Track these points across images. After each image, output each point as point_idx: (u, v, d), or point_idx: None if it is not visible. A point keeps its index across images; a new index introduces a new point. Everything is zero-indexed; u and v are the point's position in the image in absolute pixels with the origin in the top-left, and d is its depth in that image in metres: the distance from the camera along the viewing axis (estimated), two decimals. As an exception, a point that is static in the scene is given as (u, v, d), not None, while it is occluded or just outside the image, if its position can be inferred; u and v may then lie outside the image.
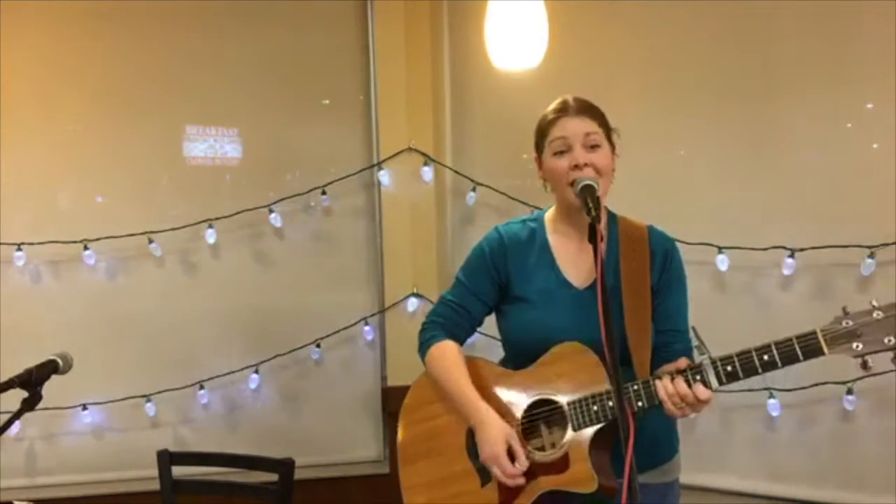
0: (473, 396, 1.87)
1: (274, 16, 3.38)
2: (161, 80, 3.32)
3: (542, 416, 1.84)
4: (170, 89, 3.33)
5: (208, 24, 3.37)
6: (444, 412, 1.94)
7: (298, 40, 3.43)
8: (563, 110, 1.86)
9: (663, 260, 1.89)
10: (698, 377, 1.66)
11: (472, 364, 1.95)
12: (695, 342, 1.68)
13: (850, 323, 1.55)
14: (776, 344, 1.60)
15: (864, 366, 1.55)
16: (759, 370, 1.62)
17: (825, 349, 1.56)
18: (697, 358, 1.69)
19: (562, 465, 1.78)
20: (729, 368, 1.64)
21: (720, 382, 1.65)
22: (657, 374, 1.76)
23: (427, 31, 3.37)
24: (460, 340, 2.00)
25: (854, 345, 1.54)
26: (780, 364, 1.61)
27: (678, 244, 1.95)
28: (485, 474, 1.87)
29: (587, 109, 1.86)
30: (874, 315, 1.54)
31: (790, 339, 1.59)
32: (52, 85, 3.26)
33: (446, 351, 1.95)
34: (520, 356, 1.91)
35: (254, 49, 3.38)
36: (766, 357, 1.60)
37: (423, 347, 1.99)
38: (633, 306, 1.82)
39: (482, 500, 1.86)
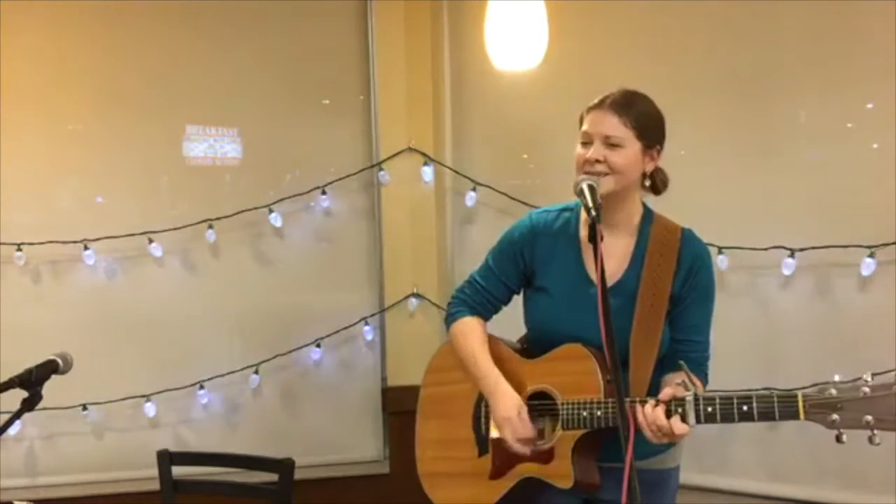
0: (489, 368, 1.96)
1: (274, 16, 3.38)
2: (161, 80, 3.32)
3: (538, 408, 1.90)
4: (170, 89, 3.33)
5: (208, 25, 3.37)
6: (462, 380, 2.05)
7: (298, 40, 3.43)
8: (598, 103, 1.86)
9: (689, 270, 1.87)
10: (679, 411, 1.67)
11: (490, 343, 2.03)
12: (678, 380, 1.69)
13: (834, 393, 1.53)
14: (757, 397, 1.61)
15: (838, 439, 1.54)
16: (736, 419, 1.63)
17: (801, 415, 1.57)
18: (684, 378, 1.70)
19: (547, 456, 1.87)
20: (709, 410, 1.65)
21: (698, 421, 1.67)
22: (661, 380, 1.80)
23: (427, 31, 3.36)
24: (484, 318, 2.08)
25: (832, 416, 1.53)
26: (756, 418, 1.62)
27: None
28: (483, 446, 1.99)
29: (621, 107, 1.83)
30: (862, 390, 1.51)
31: (771, 396, 1.60)
32: (52, 85, 3.26)
33: (468, 326, 2.04)
34: (535, 343, 1.98)
35: (254, 49, 3.39)
36: (744, 408, 1.62)
37: (449, 321, 2.09)
38: (645, 312, 1.83)
39: (477, 467, 1.99)
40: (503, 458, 1.93)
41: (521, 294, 2.06)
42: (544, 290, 1.95)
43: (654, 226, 1.91)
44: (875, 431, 1.50)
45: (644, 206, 1.95)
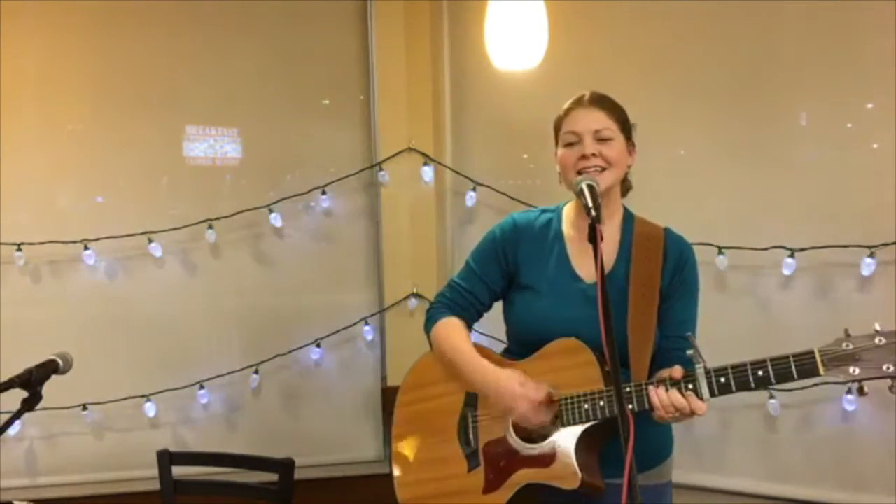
0: (476, 358, 1.90)
1: (274, 16, 3.38)
2: (161, 80, 3.32)
3: None
4: (170, 89, 3.33)
5: (208, 25, 3.37)
6: (442, 394, 1.97)
7: (298, 40, 3.43)
8: (577, 103, 1.88)
9: (676, 264, 1.88)
10: (691, 387, 1.65)
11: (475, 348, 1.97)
12: (689, 351, 1.67)
13: (850, 346, 1.53)
14: (772, 360, 1.59)
15: (861, 391, 1.55)
16: (753, 385, 1.61)
17: (821, 370, 1.55)
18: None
19: (547, 458, 1.80)
20: (722, 380, 1.63)
21: (712, 394, 1.64)
22: (653, 378, 1.77)
23: (427, 31, 3.37)
24: (467, 323, 2.02)
25: (851, 369, 1.53)
26: (773, 381, 1.60)
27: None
28: (473, 460, 1.90)
29: (601, 102, 1.87)
30: (876, 340, 1.51)
31: (787, 357, 1.58)
32: (52, 85, 3.26)
33: (450, 325, 1.98)
34: (521, 345, 1.93)
35: (254, 49, 3.39)
36: (760, 372, 1.60)
37: (429, 324, 2.01)
38: (637, 307, 1.82)
39: (467, 484, 1.89)
40: (498, 469, 1.86)
41: (503, 301, 2.01)
42: (531, 288, 1.92)
43: (635, 224, 1.93)
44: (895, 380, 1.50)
45: (623, 206, 1.96)
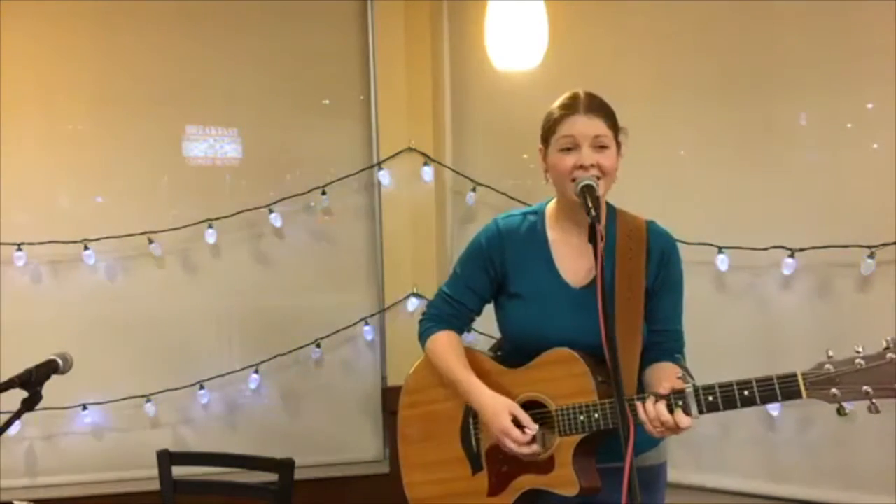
0: (471, 380, 1.91)
1: (274, 16, 3.38)
2: (161, 80, 3.32)
3: (532, 417, 1.86)
4: (170, 89, 3.33)
5: (208, 25, 3.37)
6: (442, 398, 2.00)
7: (298, 40, 3.43)
8: (573, 107, 1.82)
9: (660, 260, 1.88)
10: (680, 403, 1.67)
11: (469, 356, 1.98)
12: (679, 375, 1.69)
13: (832, 369, 1.56)
14: (757, 381, 1.61)
15: (839, 412, 1.56)
16: (739, 404, 1.63)
17: (804, 393, 1.57)
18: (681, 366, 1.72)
19: (547, 465, 1.83)
20: (710, 399, 1.65)
21: (701, 411, 1.66)
22: (645, 392, 1.78)
23: (427, 31, 3.37)
24: (458, 331, 2.04)
25: (832, 391, 1.55)
26: (758, 402, 1.62)
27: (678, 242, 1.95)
28: (476, 463, 1.94)
29: (598, 108, 1.82)
30: (856, 363, 1.54)
31: (771, 379, 1.60)
32: (52, 85, 3.26)
33: (444, 341, 1.99)
34: (514, 349, 1.94)
35: (254, 49, 3.39)
36: (746, 393, 1.61)
37: (422, 339, 2.04)
38: (625, 309, 1.82)
39: (472, 486, 1.93)
40: (501, 473, 1.89)
41: (494, 304, 2.02)
42: (518, 296, 1.92)
43: (619, 222, 1.91)
44: (874, 401, 1.52)
45: (607, 203, 1.95)
